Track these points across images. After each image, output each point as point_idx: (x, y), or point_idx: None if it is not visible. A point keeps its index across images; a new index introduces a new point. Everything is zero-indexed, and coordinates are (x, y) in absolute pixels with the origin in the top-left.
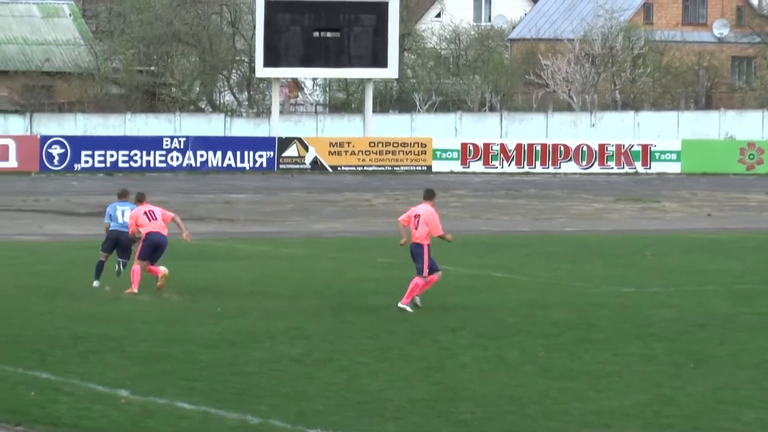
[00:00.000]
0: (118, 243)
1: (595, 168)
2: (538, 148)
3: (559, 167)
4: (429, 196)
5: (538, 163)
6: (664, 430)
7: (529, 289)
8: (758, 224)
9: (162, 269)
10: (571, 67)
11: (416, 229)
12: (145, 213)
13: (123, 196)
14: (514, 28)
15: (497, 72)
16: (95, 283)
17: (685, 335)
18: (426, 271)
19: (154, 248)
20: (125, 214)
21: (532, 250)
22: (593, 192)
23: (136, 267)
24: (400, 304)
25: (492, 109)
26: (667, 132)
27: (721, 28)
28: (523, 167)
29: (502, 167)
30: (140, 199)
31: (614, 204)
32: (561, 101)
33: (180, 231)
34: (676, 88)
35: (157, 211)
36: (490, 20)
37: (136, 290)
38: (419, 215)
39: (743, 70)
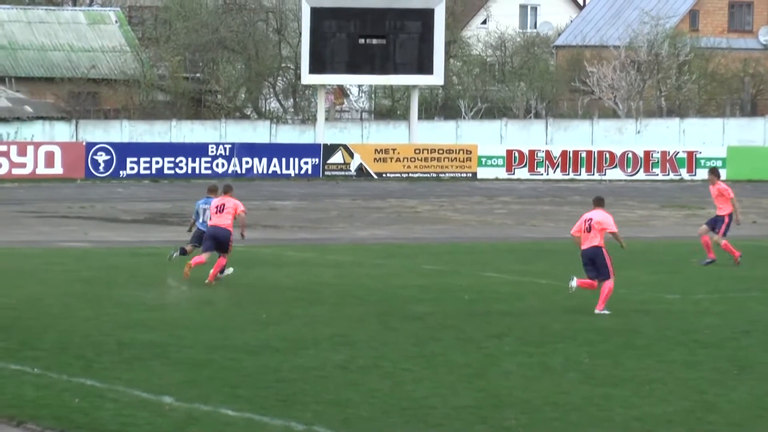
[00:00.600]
0: (202, 240)
1: (641, 175)
2: (584, 154)
3: (605, 174)
4: (600, 203)
5: (583, 169)
6: None
7: (574, 295)
8: None
9: (223, 271)
10: (617, 74)
11: (589, 232)
12: (217, 206)
13: (212, 191)
14: (559, 35)
15: (543, 79)
16: (174, 254)
17: (730, 342)
18: (612, 271)
19: (213, 240)
20: (206, 213)
21: (576, 257)
22: (638, 199)
23: (204, 258)
24: (596, 311)
25: (537, 116)
26: (712, 139)
27: (767, 35)
28: (569, 174)
29: (548, 174)
30: (225, 191)
31: (659, 211)
32: (606, 108)
33: (241, 228)
34: (721, 95)
35: (230, 204)
36: (535, 27)
37: (212, 281)
38: (591, 218)
39: None
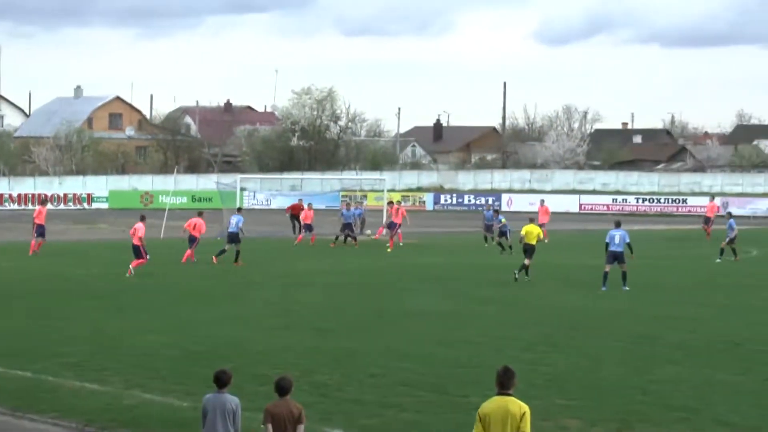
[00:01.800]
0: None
1: (62, 205)
2: (30, 196)
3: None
4: None
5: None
6: None
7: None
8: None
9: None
10: (49, 152)
11: None
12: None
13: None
14: (16, 130)
15: (6, 154)
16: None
17: None
18: None
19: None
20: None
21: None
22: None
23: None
24: None
25: (5, 174)
26: (99, 186)
27: (130, 131)
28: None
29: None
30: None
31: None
32: (43, 170)
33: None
34: (105, 164)
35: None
36: (2, 126)
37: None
38: None
39: (142, 155)
